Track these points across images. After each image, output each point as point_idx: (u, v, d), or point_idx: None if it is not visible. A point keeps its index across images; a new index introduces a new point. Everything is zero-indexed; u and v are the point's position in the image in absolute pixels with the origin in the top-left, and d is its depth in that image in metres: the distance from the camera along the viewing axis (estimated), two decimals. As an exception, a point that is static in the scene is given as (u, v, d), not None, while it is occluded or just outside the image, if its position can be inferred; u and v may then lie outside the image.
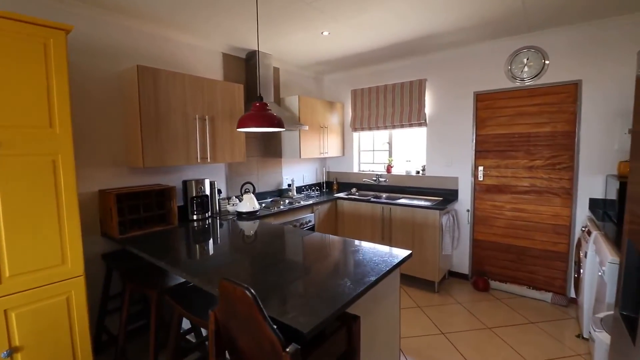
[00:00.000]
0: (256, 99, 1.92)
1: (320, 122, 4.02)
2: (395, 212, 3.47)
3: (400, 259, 1.68)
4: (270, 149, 3.83)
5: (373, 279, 1.44)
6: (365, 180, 4.30)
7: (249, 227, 2.54)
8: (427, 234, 3.27)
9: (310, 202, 3.56)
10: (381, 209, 3.56)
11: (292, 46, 3.26)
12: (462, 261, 3.63)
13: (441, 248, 3.23)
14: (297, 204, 3.45)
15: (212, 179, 3.18)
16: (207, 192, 2.89)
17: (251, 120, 1.84)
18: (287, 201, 3.61)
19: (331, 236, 2.18)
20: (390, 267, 1.58)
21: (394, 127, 3.97)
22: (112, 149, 2.50)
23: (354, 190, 4.29)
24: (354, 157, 4.50)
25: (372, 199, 3.71)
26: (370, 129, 4.18)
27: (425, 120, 3.74)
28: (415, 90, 3.76)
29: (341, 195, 4.04)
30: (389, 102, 3.98)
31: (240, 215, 2.92)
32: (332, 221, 3.91)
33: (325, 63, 3.93)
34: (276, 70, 3.85)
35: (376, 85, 4.09)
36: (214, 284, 1.43)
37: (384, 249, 1.87)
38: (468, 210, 3.55)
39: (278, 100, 3.88)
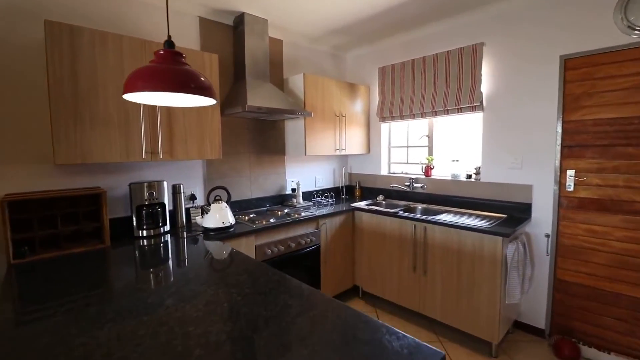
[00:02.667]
0: (164, 45, 1.08)
1: (335, 109, 3.10)
2: (433, 234, 2.43)
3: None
4: (269, 144, 3.00)
5: None
6: (395, 185, 3.27)
7: (198, 255, 1.72)
8: (482, 270, 2.18)
9: (316, 213, 2.66)
10: (413, 227, 2.54)
11: (290, 3, 2.39)
12: (535, 309, 2.46)
13: (504, 293, 2.13)
14: (296, 215, 2.57)
15: (181, 181, 2.43)
16: (165, 199, 2.14)
17: (143, 78, 1.01)
18: (285, 211, 2.76)
19: (303, 290, 1.27)
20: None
21: (435, 114, 2.91)
22: (36, 140, 1.86)
23: (380, 198, 3.29)
24: (382, 156, 3.49)
25: (401, 213, 2.69)
26: (403, 118, 3.16)
27: (482, 102, 2.63)
28: (467, 60, 2.67)
29: (360, 205, 3.06)
30: (428, 81, 2.93)
31: (207, 232, 2.12)
32: (347, 241, 2.95)
33: (343, 32, 2.98)
34: (277, 42, 3.02)
35: (411, 58, 3.06)
36: None
37: (390, 346, 0.92)
38: (547, 236, 2.38)
39: (280, 82, 3.04)
